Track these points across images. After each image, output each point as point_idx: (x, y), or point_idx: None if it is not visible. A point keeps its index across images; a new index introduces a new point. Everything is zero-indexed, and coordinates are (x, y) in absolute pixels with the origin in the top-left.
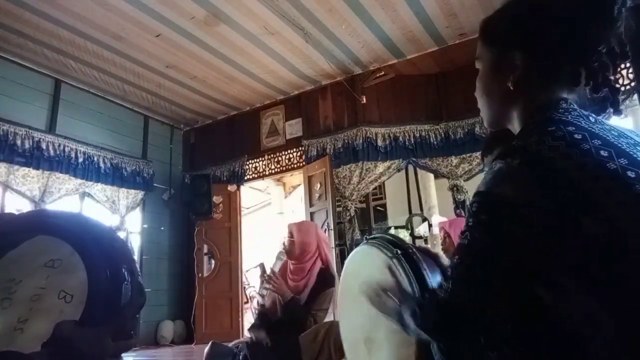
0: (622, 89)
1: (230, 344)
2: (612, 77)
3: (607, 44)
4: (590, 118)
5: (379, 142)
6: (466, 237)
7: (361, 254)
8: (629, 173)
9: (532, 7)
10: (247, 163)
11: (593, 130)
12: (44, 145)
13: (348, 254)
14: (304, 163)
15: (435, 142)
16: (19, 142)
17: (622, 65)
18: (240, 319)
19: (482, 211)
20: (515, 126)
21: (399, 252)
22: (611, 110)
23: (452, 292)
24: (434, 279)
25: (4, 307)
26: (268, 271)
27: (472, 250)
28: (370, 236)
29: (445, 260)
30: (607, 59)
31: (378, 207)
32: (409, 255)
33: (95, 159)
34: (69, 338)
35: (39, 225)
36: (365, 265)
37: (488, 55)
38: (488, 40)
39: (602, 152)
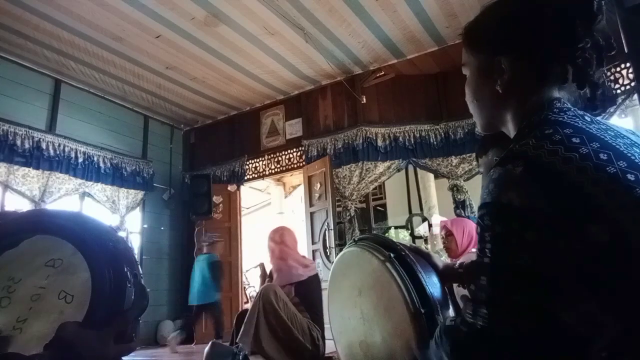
0: (622, 88)
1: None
2: (592, 72)
3: (591, 39)
4: (586, 117)
5: (379, 142)
6: (486, 253)
7: (350, 256)
8: (629, 176)
9: (515, 10)
10: (247, 163)
11: (590, 131)
12: (44, 145)
13: None
14: (304, 163)
15: (435, 142)
16: (19, 142)
17: (622, 65)
18: None
19: (496, 223)
20: (509, 129)
21: (392, 255)
22: (592, 106)
23: (496, 321)
24: (430, 281)
25: (3, 306)
26: (268, 271)
27: (499, 267)
28: (358, 237)
29: (437, 258)
30: (591, 53)
31: (378, 207)
32: (403, 258)
33: (95, 159)
34: (72, 340)
35: (40, 224)
36: (356, 268)
37: (474, 62)
38: (473, 47)
39: (601, 155)
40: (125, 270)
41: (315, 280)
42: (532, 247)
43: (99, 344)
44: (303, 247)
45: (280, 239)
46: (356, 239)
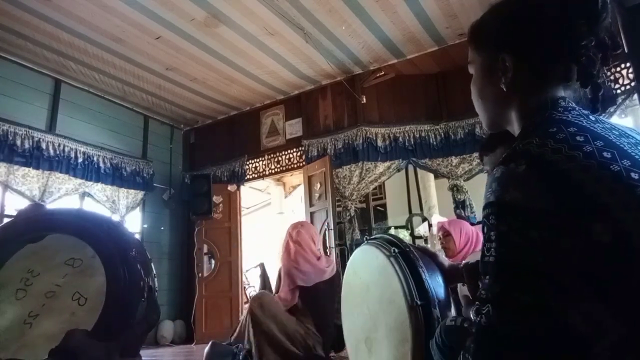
0: (622, 88)
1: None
2: (596, 73)
3: (596, 37)
4: (591, 117)
5: (379, 142)
6: (491, 253)
7: (361, 254)
8: (633, 175)
9: (518, 9)
10: (247, 163)
11: (595, 130)
12: (43, 145)
13: (348, 254)
14: (304, 163)
15: (435, 142)
16: (18, 142)
17: (622, 65)
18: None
19: (501, 222)
20: (514, 127)
21: (396, 250)
22: (593, 106)
23: (499, 319)
24: (432, 278)
25: (18, 298)
26: (268, 271)
27: (504, 266)
28: (372, 236)
29: (444, 259)
30: (595, 52)
31: (378, 207)
32: (406, 254)
33: (95, 158)
34: (78, 350)
35: (65, 224)
36: (365, 265)
37: (479, 60)
38: (478, 45)
39: (605, 154)
40: (142, 282)
41: (324, 286)
42: (536, 246)
43: (104, 356)
44: None
45: (297, 237)
46: (368, 239)
